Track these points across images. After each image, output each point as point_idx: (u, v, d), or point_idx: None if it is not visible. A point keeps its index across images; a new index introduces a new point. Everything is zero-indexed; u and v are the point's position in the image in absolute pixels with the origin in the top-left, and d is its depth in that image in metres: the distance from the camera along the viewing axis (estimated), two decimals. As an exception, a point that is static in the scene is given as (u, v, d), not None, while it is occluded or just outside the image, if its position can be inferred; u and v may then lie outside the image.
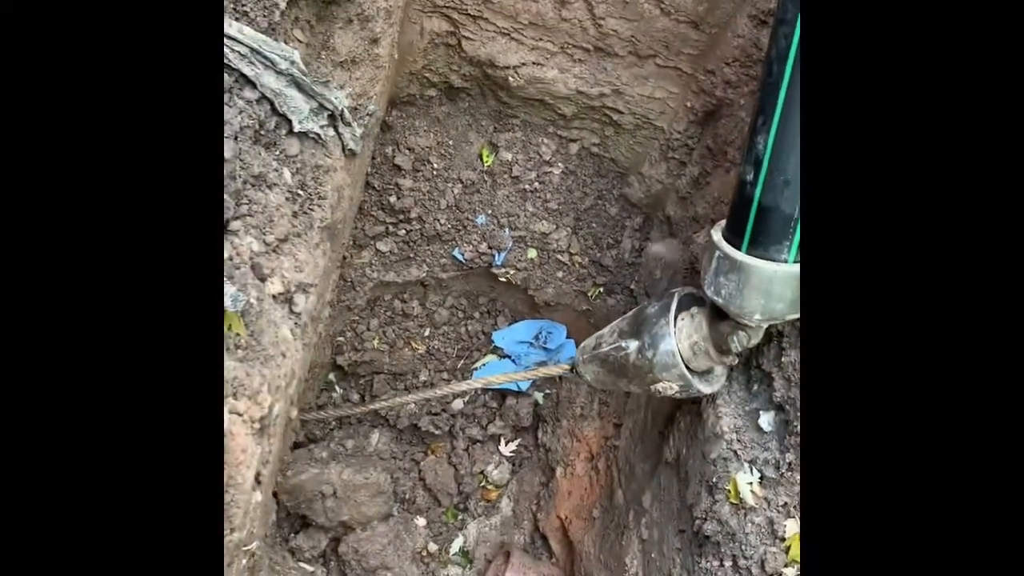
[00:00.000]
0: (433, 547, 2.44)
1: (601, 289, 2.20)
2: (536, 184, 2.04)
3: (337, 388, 2.40)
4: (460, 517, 2.50)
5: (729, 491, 1.47)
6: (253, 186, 1.17)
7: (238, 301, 0.96)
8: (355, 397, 2.39)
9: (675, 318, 1.49)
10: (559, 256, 2.14)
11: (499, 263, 2.10)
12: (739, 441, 1.51)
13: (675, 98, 1.81)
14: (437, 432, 2.40)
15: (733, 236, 1.29)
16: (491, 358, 2.45)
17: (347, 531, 2.26)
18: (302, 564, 2.28)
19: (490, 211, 2.06)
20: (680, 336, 1.48)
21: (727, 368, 1.55)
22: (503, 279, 2.16)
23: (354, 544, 2.23)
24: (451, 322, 2.37)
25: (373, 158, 1.96)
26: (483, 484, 2.49)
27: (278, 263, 1.20)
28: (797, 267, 1.23)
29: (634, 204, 2.07)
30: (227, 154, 1.07)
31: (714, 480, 1.50)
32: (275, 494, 2.13)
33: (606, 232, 2.12)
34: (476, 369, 2.45)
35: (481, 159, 2.01)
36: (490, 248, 2.09)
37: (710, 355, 1.47)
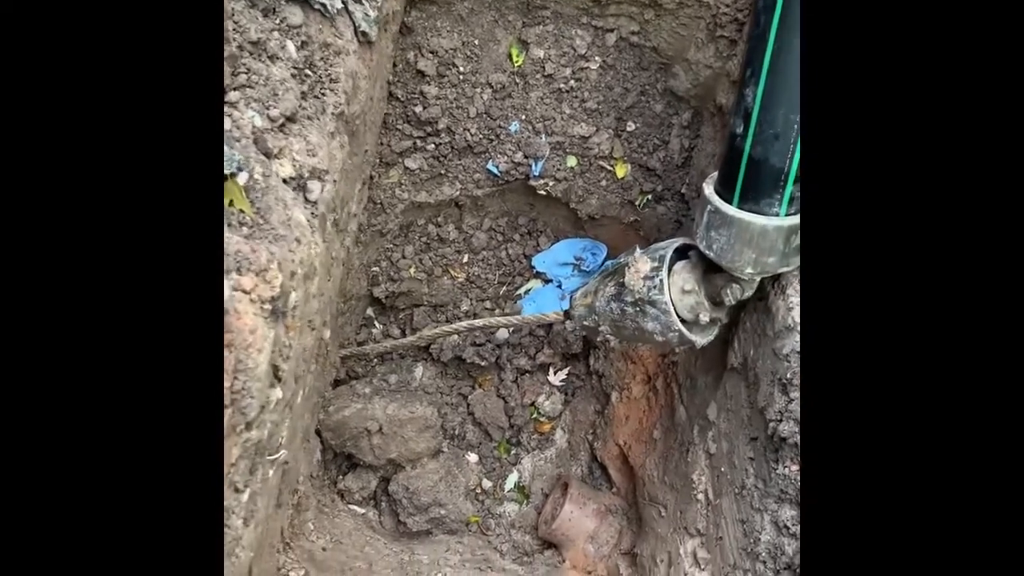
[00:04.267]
0: (487, 483, 2.34)
1: (649, 196, 2.04)
2: (572, 82, 1.87)
3: (377, 324, 2.30)
4: (513, 451, 2.39)
5: (806, 387, 1.32)
6: (251, 54, 1.04)
7: (231, 162, 0.83)
8: (395, 332, 2.29)
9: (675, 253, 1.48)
10: (601, 162, 1.98)
11: (536, 173, 1.95)
12: (815, 332, 1.36)
13: (721, -34, 1.63)
14: (483, 364, 2.28)
15: (724, 190, 1.29)
16: (535, 283, 2.31)
17: (396, 469, 2.17)
18: (352, 506, 2.20)
19: (523, 116, 1.90)
20: (674, 279, 1.46)
21: (717, 323, 1.53)
22: (542, 192, 2.01)
23: (404, 482, 2.13)
24: (490, 246, 2.23)
25: (395, 65, 1.82)
26: (535, 416, 2.37)
27: (286, 143, 1.07)
28: (788, 220, 1.24)
29: (681, 97, 1.89)
30: (215, 9, 0.94)
31: (788, 376, 1.35)
32: (318, 432, 2.05)
33: (652, 132, 1.95)
34: (521, 297, 2.32)
35: (510, 59, 1.85)
36: (526, 158, 1.93)
37: (696, 291, 1.45)
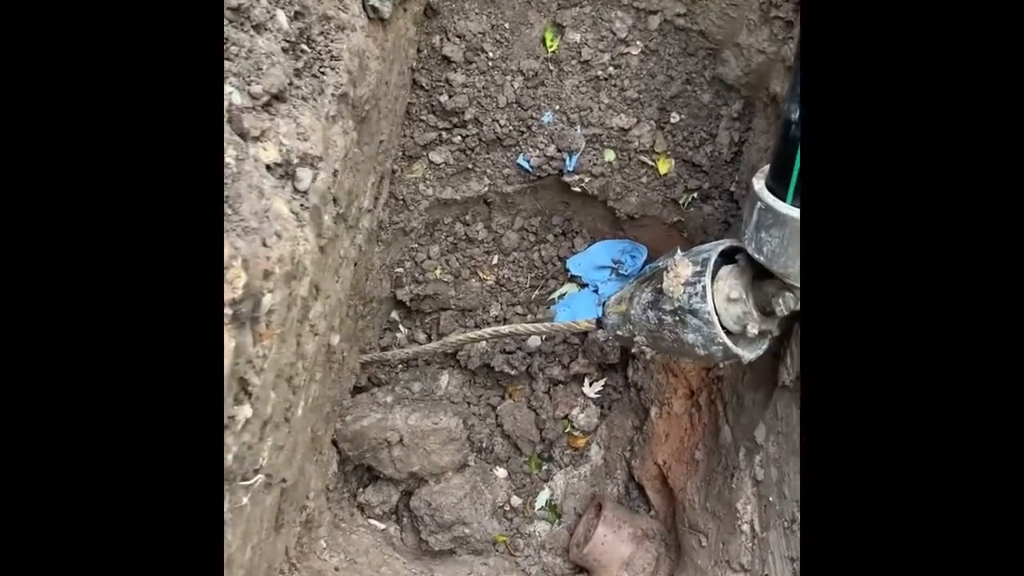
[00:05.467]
0: (516, 501, 2.20)
1: (695, 195, 1.87)
2: (611, 69, 1.72)
3: (401, 328, 2.17)
4: (545, 467, 2.24)
5: (871, 411, 1.15)
6: (231, 22, 0.91)
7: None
8: (421, 337, 2.16)
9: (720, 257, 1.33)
10: (642, 157, 1.82)
11: (571, 168, 1.80)
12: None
13: (778, -64, 1.46)
14: (513, 373, 2.13)
15: (777, 185, 1.15)
16: (570, 287, 2.16)
17: (419, 483, 2.04)
18: (372, 521, 2.08)
19: (557, 106, 1.75)
20: (718, 286, 1.30)
21: (767, 336, 1.34)
22: (577, 189, 1.86)
23: (427, 497, 2.00)
24: (522, 247, 2.09)
25: (419, 51, 1.69)
26: (568, 430, 2.22)
27: (272, 124, 0.94)
28: None
29: (731, 86, 1.72)
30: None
31: (849, 399, 1.18)
32: (335, 442, 1.93)
33: (698, 124, 1.78)
34: (555, 302, 2.17)
35: (544, 44, 1.71)
36: (559, 151, 1.79)
37: (744, 299, 1.28)
